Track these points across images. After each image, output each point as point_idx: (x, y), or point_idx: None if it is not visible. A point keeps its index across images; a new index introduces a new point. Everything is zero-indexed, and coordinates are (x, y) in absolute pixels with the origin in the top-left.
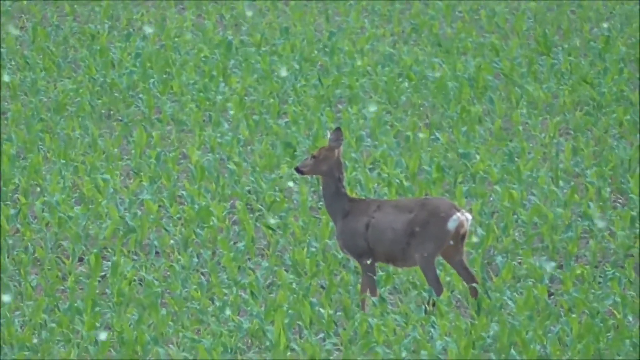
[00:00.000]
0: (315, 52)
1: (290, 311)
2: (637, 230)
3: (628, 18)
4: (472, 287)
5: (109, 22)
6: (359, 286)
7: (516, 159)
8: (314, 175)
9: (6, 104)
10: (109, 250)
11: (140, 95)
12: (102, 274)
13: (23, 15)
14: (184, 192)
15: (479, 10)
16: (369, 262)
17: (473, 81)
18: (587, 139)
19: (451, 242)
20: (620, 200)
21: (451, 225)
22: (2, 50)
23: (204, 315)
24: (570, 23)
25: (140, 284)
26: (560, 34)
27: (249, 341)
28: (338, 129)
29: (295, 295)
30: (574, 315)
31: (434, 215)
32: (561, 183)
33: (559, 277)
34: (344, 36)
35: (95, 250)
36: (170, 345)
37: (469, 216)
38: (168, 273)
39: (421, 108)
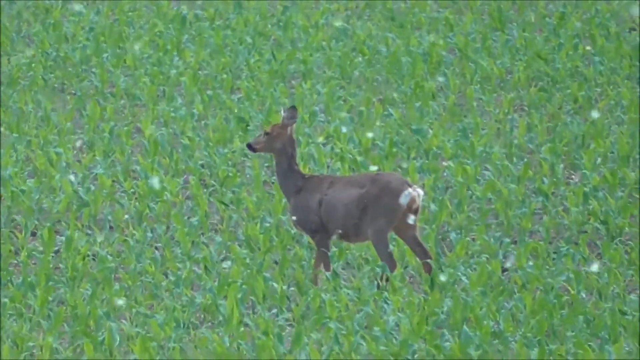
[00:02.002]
0: (269, 26)
1: (243, 286)
2: (590, 207)
3: None
4: (425, 263)
5: None
6: (312, 261)
7: (470, 134)
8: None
9: None
10: (63, 224)
11: (94, 69)
12: (56, 248)
13: None
14: (137, 167)
15: None
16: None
17: (427, 56)
18: (541, 115)
19: (410, 220)
20: (573, 176)
21: (403, 200)
22: None
23: (158, 290)
24: None
25: (94, 259)
26: (515, 9)
27: (202, 316)
28: (293, 107)
29: (248, 271)
30: (527, 292)
31: (385, 190)
32: (515, 159)
33: (513, 253)
34: (298, 10)
35: (48, 225)
36: (123, 320)
37: (421, 191)
38: (122, 248)
39: (374, 83)
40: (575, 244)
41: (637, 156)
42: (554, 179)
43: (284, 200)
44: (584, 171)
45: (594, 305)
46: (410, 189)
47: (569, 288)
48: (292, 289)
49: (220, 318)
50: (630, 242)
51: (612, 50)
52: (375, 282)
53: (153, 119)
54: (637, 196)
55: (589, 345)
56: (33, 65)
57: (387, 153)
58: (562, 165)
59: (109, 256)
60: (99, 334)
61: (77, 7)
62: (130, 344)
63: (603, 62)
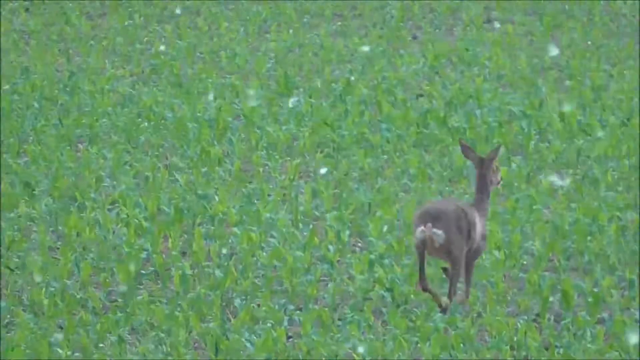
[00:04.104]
0: (56, 91)
1: (27, 351)
2: (376, 274)
3: (370, 60)
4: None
5: None
6: (98, 326)
7: (255, 201)
8: None
9: None
10: None
11: None
12: None
13: None
14: None
15: (220, 52)
16: None
17: (213, 122)
18: (327, 182)
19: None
20: (359, 244)
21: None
22: None
23: None
24: (311, 64)
25: None
26: (302, 75)
27: None
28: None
29: (33, 335)
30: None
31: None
32: (301, 226)
33: (298, 320)
34: (85, 76)
35: None
36: None
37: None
38: None
39: (161, 149)
40: (360, 311)
41: None
42: (340, 247)
43: (71, 264)
44: (370, 239)
45: None
46: (423, 227)
47: (354, 355)
48: (77, 354)
49: None
50: (415, 309)
51: (398, 117)
52: (161, 347)
53: None
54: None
55: None
56: None
57: (173, 219)
58: (348, 233)
59: None
60: None
61: None
62: None
63: (390, 129)
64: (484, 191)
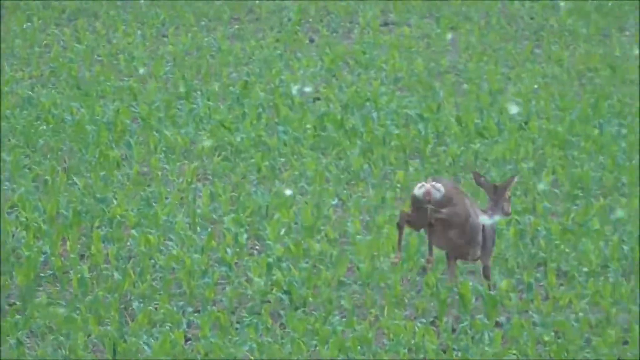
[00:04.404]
0: None
1: None
2: (274, 277)
3: (267, 63)
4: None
5: None
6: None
7: (154, 204)
8: None
9: None
10: None
11: None
12: None
13: None
14: None
15: (118, 55)
16: None
17: (111, 125)
18: (225, 185)
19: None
20: (257, 247)
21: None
22: None
23: None
24: (209, 67)
25: None
26: (199, 78)
27: None
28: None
29: None
30: None
31: None
32: (199, 229)
33: (196, 322)
34: None
35: None
36: None
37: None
38: None
39: (59, 152)
40: (257, 314)
41: (321, 227)
42: (238, 249)
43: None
44: (267, 241)
45: None
46: (425, 183)
47: (252, 358)
48: None
49: None
50: (314, 312)
51: (296, 120)
52: (60, 351)
53: None
54: (322, 267)
55: None
56: None
57: (72, 222)
58: (245, 236)
59: None
60: None
61: None
62: None
63: (287, 132)
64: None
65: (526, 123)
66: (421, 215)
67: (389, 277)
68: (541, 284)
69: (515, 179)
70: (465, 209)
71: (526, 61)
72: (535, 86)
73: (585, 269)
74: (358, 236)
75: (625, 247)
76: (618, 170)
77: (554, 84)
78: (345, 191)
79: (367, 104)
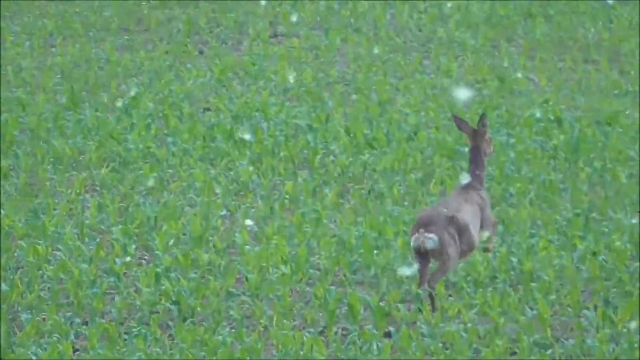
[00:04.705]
0: None
1: None
2: (163, 287)
3: (157, 74)
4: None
5: None
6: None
7: (41, 215)
8: None
9: None
10: None
11: None
12: None
13: None
14: None
15: (6, 66)
16: None
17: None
18: (113, 196)
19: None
20: (146, 257)
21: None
22: None
23: None
24: (97, 79)
25: None
26: (87, 89)
27: None
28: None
29: None
30: None
31: None
32: (87, 239)
33: (85, 333)
34: None
35: None
36: None
37: (430, 235)
38: None
39: None
40: (146, 324)
41: (210, 238)
42: (128, 259)
43: None
44: (156, 252)
45: None
46: (417, 234)
47: None
48: None
49: None
50: (203, 322)
51: (185, 131)
52: None
53: None
54: (210, 277)
55: None
56: None
57: None
58: (134, 246)
59: None
60: None
61: None
62: None
63: (176, 143)
64: (479, 163)
65: (415, 133)
66: (426, 257)
67: (278, 288)
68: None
69: (485, 118)
70: (456, 243)
71: (415, 72)
72: (424, 97)
73: (473, 280)
74: (247, 247)
75: (513, 259)
76: (506, 181)
77: (443, 94)
78: (233, 202)
79: (257, 114)
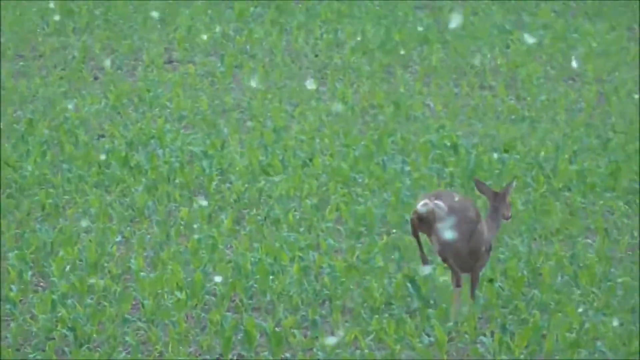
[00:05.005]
0: None
1: None
2: (59, 314)
3: (52, 101)
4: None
5: None
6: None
7: None
8: None
9: None
10: None
11: None
12: None
13: None
14: None
15: None
16: None
17: None
18: (9, 222)
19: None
20: (42, 284)
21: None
22: None
23: None
24: None
25: None
26: None
27: None
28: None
29: None
30: None
31: None
32: None
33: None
34: None
35: None
36: None
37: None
38: None
39: None
40: (42, 350)
41: (105, 264)
42: (22, 286)
43: None
44: (52, 278)
45: None
46: (427, 200)
47: None
48: None
49: None
50: (98, 348)
51: (80, 158)
52: None
53: None
54: (106, 304)
55: None
56: None
57: None
58: (30, 272)
59: None
60: None
61: None
62: None
63: (71, 170)
64: (492, 227)
65: (310, 160)
66: (427, 225)
67: (174, 314)
68: (326, 320)
69: (514, 184)
70: (471, 220)
71: (310, 99)
72: (319, 123)
73: (369, 306)
74: (142, 273)
75: (409, 285)
76: (402, 208)
77: (338, 121)
78: (129, 228)
79: (152, 141)
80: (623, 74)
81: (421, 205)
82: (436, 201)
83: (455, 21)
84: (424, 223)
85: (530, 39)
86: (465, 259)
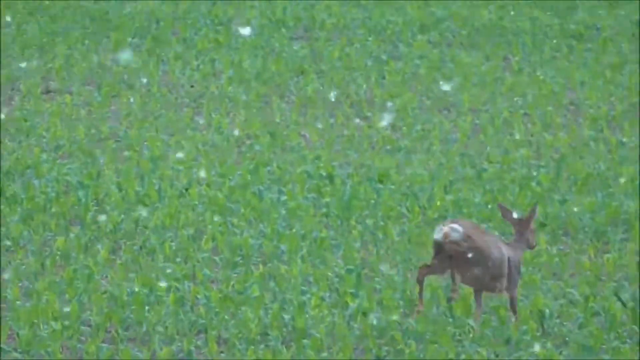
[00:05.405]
0: None
1: None
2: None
3: None
4: None
5: None
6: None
7: None
8: None
9: None
10: None
11: None
12: None
13: None
14: None
15: None
16: None
17: None
18: None
19: None
20: None
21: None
22: None
23: None
24: None
25: None
26: None
27: None
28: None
29: None
30: None
31: None
32: None
33: None
34: None
35: None
36: None
37: (455, 227)
38: None
39: None
40: None
41: None
42: None
43: None
44: None
45: None
46: (443, 226)
47: None
48: None
49: None
50: None
51: None
52: None
53: None
54: None
55: None
56: None
57: None
58: None
59: None
60: None
61: None
62: None
63: None
64: (521, 245)
65: (187, 190)
66: (444, 257)
67: (49, 344)
68: (202, 351)
69: (537, 209)
70: (486, 244)
71: (187, 128)
72: (196, 153)
73: (245, 337)
74: (18, 302)
75: (285, 315)
76: (278, 238)
77: (214, 150)
78: (3, 258)
79: (28, 171)
80: (498, 104)
81: (437, 232)
82: (451, 225)
83: (246, 30)
84: (441, 256)
85: (407, 69)
86: (488, 283)
